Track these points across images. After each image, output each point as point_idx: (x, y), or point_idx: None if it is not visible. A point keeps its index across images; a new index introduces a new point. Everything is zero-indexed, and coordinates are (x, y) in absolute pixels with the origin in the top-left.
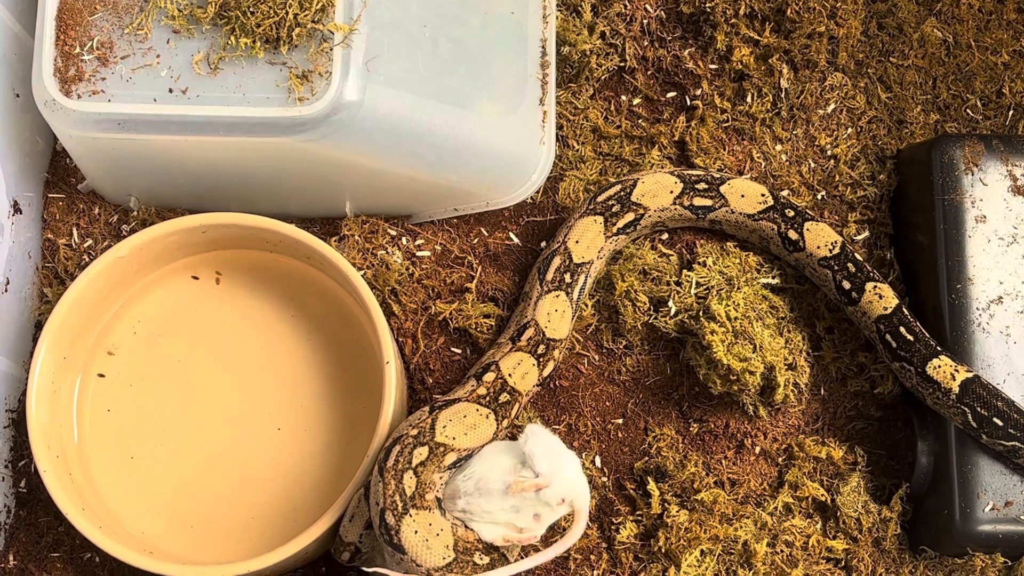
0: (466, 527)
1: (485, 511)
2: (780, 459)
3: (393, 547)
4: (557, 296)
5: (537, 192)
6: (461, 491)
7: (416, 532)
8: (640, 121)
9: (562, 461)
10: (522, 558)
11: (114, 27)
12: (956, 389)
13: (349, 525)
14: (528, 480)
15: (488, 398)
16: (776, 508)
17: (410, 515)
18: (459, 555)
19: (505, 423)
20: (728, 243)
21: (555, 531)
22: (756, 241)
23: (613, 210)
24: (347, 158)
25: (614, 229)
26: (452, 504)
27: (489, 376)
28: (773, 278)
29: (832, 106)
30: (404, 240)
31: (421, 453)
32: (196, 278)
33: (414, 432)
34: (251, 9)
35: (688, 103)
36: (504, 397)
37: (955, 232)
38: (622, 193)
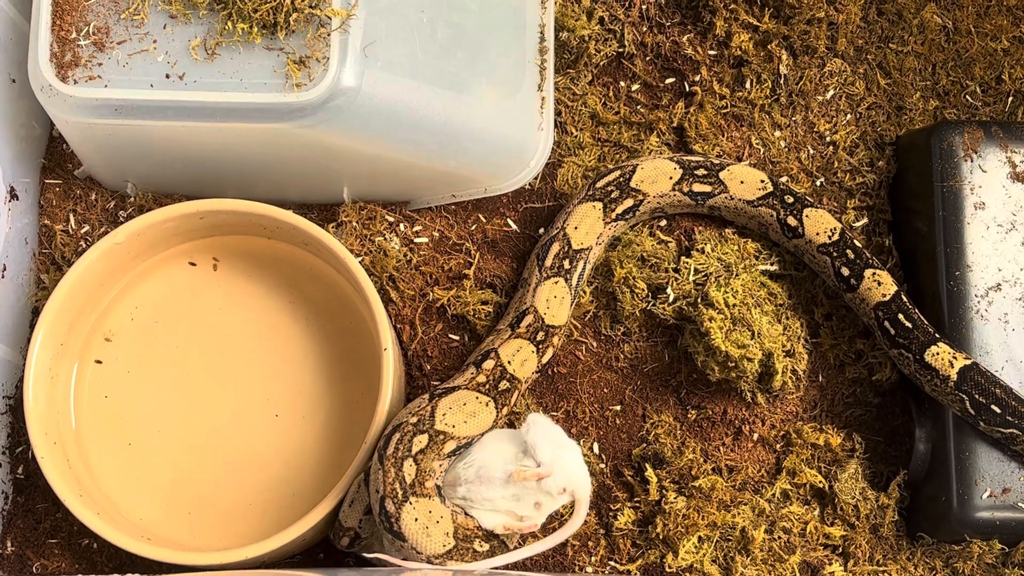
0: (466, 514)
1: (486, 499)
2: (778, 446)
3: (393, 534)
4: (556, 282)
5: (535, 178)
6: (462, 478)
7: (416, 520)
8: (639, 107)
9: (564, 450)
10: (520, 546)
11: (110, 12)
12: (954, 376)
13: (349, 510)
14: (530, 469)
15: (488, 386)
16: (774, 495)
17: (410, 503)
18: (459, 542)
19: (504, 411)
20: (727, 230)
21: (553, 518)
22: (755, 227)
23: (612, 196)
24: (345, 144)
25: (613, 215)
26: (452, 491)
27: (488, 363)
28: (771, 265)
29: (831, 92)
30: (402, 226)
31: (421, 441)
32: (193, 264)
33: (414, 420)
34: None
35: (687, 89)
36: (504, 385)
37: (954, 219)
38: (621, 179)
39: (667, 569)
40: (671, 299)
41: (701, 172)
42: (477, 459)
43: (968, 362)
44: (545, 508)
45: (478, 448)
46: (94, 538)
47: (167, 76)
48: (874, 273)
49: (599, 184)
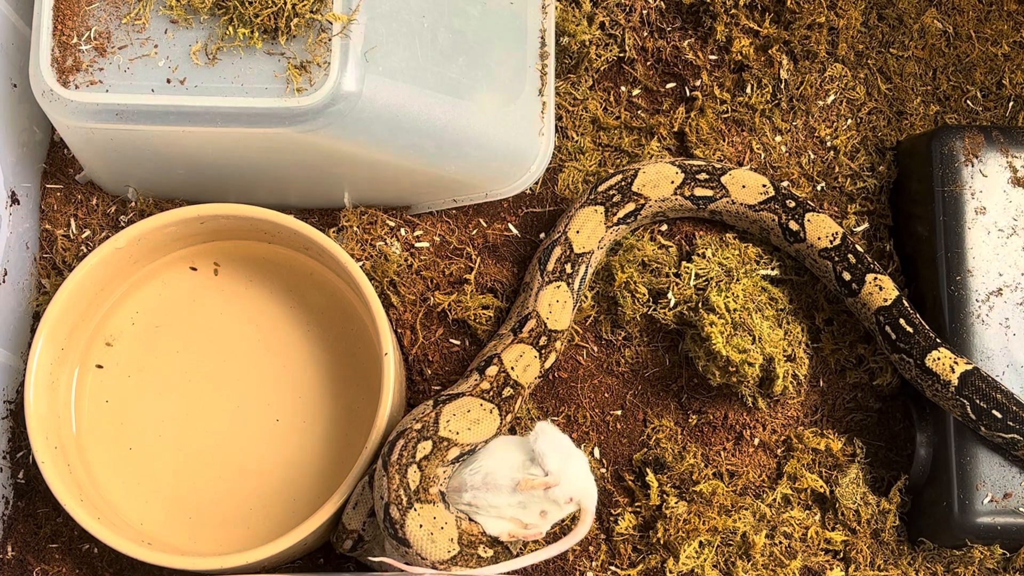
0: (470, 520)
1: (492, 505)
2: (779, 451)
3: (398, 540)
4: (558, 287)
5: (536, 183)
6: (468, 484)
7: (421, 526)
8: (639, 112)
9: (571, 460)
10: (522, 552)
11: (112, 17)
12: (955, 381)
13: (352, 513)
14: (538, 478)
15: (492, 392)
16: (775, 500)
17: (415, 509)
18: (463, 548)
19: (508, 417)
20: (727, 234)
21: (556, 525)
22: (756, 232)
23: (614, 200)
24: (345, 149)
25: (614, 219)
26: (457, 497)
27: (492, 370)
28: (772, 269)
29: (832, 97)
30: (403, 231)
31: (425, 447)
32: (194, 269)
33: (418, 426)
34: None
35: (688, 94)
36: (508, 391)
37: (955, 224)
38: (623, 183)
39: (668, 574)
40: (672, 304)
41: (703, 176)
42: (484, 466)
43: (969, 367)
44: (551, 517)
45: (485, 455)
46: (95, 543)
47: (168, 81)
48: (875, 278)
49: (601, 188)
